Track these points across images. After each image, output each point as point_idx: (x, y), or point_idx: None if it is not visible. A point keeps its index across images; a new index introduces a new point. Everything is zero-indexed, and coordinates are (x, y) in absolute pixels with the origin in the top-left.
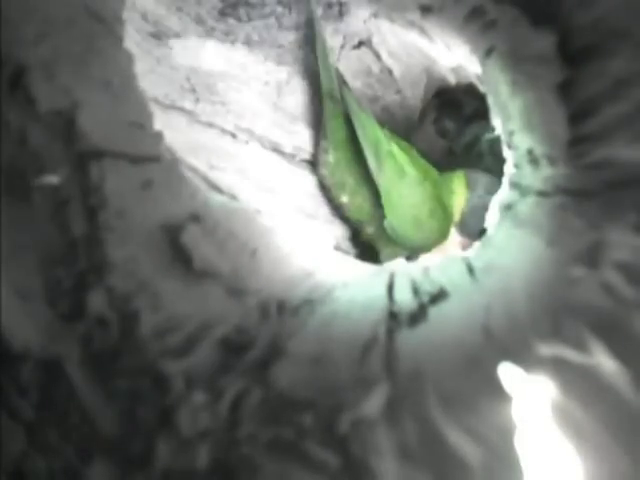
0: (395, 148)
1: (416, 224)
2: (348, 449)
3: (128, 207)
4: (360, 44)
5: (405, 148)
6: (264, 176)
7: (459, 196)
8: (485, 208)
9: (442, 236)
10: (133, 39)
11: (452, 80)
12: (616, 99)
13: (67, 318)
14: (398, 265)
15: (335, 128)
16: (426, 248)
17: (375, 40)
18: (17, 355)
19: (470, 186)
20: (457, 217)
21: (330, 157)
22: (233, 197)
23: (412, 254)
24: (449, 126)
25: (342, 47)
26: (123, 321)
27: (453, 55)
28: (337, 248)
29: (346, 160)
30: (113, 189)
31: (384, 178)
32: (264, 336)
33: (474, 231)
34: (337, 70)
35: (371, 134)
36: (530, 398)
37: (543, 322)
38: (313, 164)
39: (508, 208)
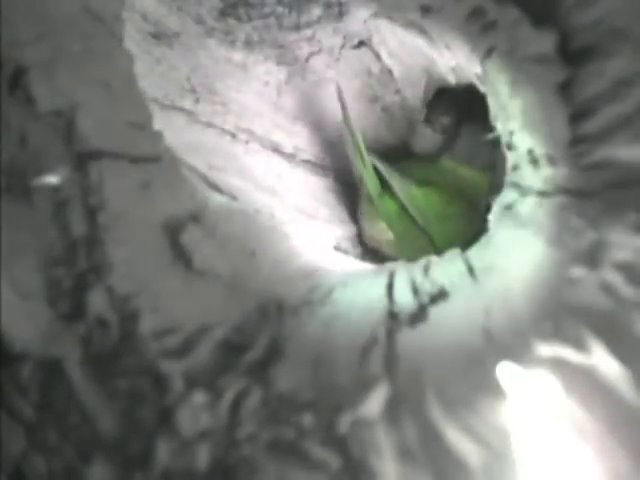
0: (437, 201)
1: (461, 238)
2: (348, 449)
3: (128, 207)
4: (360, 44)
5: (442, 184)
6: (264, 176)
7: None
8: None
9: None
10: (133, 39)
11: (452, 80)
12: (616, 99)
13: (67, 318)
14: (398, 265)
15: (386, 204)
16: None
17: (375, 40)
18: (17, 355)
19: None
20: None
21: (390, 235)
22: (233, 197)
23: None
24: (446, 122)
25: (342, 47)
26: (123, 321)
27: (453, 55)
28: (337, 248)
29: (405, 231)
30: (113, 189)
31: (436, 233)
32: (264, 336)
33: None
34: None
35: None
36: (530, 398)
37: (543, 322)
38: (314, 165)
39: (508, 208)
